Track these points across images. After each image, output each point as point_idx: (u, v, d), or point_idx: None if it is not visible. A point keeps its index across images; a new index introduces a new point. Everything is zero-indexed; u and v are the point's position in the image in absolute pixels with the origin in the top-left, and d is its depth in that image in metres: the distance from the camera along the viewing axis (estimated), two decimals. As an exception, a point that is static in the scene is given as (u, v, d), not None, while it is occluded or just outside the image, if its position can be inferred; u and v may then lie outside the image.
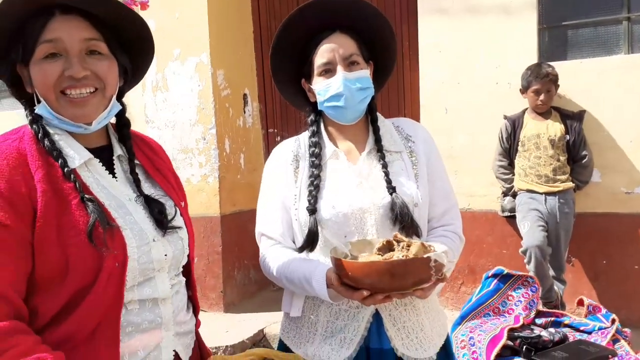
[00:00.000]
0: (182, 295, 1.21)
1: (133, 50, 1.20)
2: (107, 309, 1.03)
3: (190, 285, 1.26)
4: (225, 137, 4.03)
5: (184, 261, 1.21)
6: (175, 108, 4.06)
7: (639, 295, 3.27)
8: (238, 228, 4.00)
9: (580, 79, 3.33)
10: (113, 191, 1.12)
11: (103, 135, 1.19)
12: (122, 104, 1.21)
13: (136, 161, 1.20)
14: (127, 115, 1.23)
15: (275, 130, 4.50)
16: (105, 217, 1.03)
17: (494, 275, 2.74)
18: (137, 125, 4.61)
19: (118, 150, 1.19)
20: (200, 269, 3.93)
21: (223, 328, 3.62)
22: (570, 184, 3.21)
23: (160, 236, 1.13)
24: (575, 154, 3.21)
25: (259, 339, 3.50)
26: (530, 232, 3.11)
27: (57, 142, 1.08)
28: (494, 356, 2.26)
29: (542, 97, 3.18)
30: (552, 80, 3.17)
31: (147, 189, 1.19)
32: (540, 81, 3.16)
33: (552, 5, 3.50)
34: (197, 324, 1.30)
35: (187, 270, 1.26)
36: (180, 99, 4.03)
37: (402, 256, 1.14)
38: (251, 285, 4.24)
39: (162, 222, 1.14)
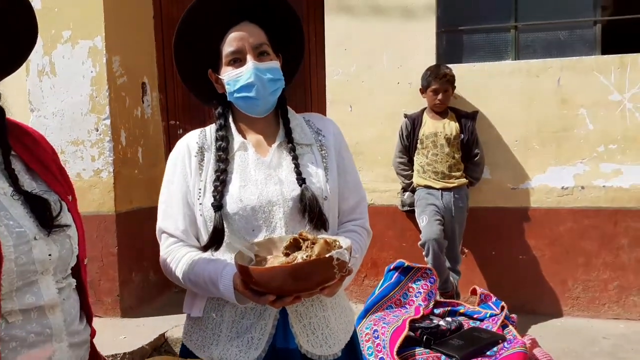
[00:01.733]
0: (74, 301, 1.09)
1: (10, 34, 1.06)
2: None
3: (81, 290, 1.14)
4: (121, 128, 3.76)
5: (73, 262, 1.09)
6: (64, 95, 3.72)
7: (524, 282, 3.57)
8: (135, 227, 3.76)
9: (472, 81, 3.56)
10: None
11: None
12: None
13: (13, 152, 1.06)
14: (1, 103, 1.09)
15: (178, 122, 4.29)
16: None
17: (395, 268, 2.83)
18: (20, 114, 4.18)
19: None
20: (94, 272, 3.64)
21: (120, 334, 3.39)
22: (464, 180, 3.41)
23: (42, 234, 1.00)
24: (468, 152, 3.41)
25: (160, 344, 3.32)
26: (428, 226, 3.26)
27: None
28: (397, 347, 2.33)
29: (440, 96, 3.34)
30: (449, 81, 3.34)
31: (28, 182, 1.06)
32: (438, 81, 3.32)
33: (450, 10, 3.69)
34: (92, 333, 1.18)
35: (77, 273, 1.13)
36: (71, 86, 3.70)
37: (306, 256, 1.13)
38: (151, 288, 4.01)
39: (45, 219, 1.01)
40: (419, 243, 3.31)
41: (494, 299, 2.84)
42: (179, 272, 1.31)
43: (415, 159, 3.47)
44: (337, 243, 1.18)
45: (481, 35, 3.73)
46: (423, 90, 3.42)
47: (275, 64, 1.35)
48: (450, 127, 3.38)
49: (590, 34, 3.55)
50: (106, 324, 3.53)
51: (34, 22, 1.09)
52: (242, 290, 1.17)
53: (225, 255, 1.32)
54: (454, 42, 3.76)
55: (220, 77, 1.36)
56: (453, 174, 3.37)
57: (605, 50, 3.52)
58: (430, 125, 3.41)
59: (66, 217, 1.06)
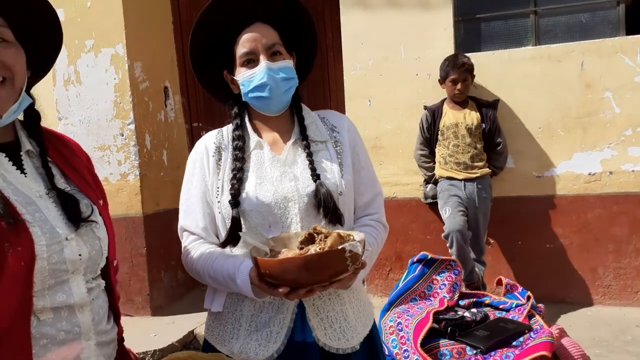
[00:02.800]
0: (103, 301, 1.13)
1: (39, 39, 1.12)
2: (13, 317, 0.94)
3: (110, 291, 1.18)
4: (145, 132, 3.85)
5: (102, 263, 1.13)
6: (90, 103, 3.82)
7: (551, 272, 3.50)
8: (162, 228, 3.85)
9: (492, 69, 3.50)
10: (21, 187, 1.04)
11: (10, 131, 1.11)
12: (31, 96, 1.13)
13: (49, 158, 1.12)
14: (35, 107, 1.15)
15: (200, 125, 4.37)
16: (8, 212, 0.95)
17: (419, 261, 2.82)
18: (49, 122, 4.33)
19: (27, 145, 1.11)
20: (124, 273, 3.74)
21: (151, 332, 3.48)
22: (487, 170, 3.36)
23: (74, 234, 1.04)
24: (490, 141, 3.37)
25: (190, 341, 3.40)
26: (451, 217, 3.23)
27: None
28: (421, 339, 2.33)
29: (459, 86, 3.30)
30: (468, 70, 3.30)
31: (61, 184, 1.11)
32: (457, 71, 3.29)
33: (467, -2, 3.64)
34: (120, 332, 1.23)
35: (107, 275, 1.18)
36: (95, 93, 3.80)
37: (319, 249, 1.14)
38: (179, 287, 4.11)
39: (75, 217, 1.06)
40: (443, 235, 3.28)
41: (520, 289, 2.80)
42: (199, 268, 1.34)
43: (436, 150, 3.45)
44: (351, 237, 1.19)
45: (500, 22, 3.66)
46: (442, 81, 3.39)
47: (288, 63, 1.37)
48: (471, 117, 3.35)
49: (614, 14, 3.44)
50: (137, 322, 3.63)
51: (58, 24, 1.15)
52: (258, 283, 1.19)
53: (243, 252, 1.35)
54: (472, 30, 3.71)
55: (235, 78, 1.39)
56: (475, 164, 3.33)
57: (629, 31, 3.41)
58: (451, 116, 3.37)
59: (97, 219, 1.11)
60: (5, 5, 1.03)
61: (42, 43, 1.15)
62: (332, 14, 3.94)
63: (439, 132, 3.40)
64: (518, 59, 3.48)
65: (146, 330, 3.49)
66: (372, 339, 1.47)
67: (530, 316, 2.57)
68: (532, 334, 2.37)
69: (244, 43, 1.35)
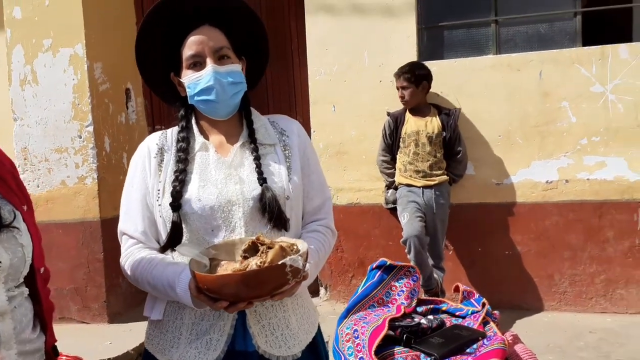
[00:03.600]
0: (26, 309, 1.09)
1: None
2: None
3: (36, 298, 1.14)
4: (104, 134, 3.77)
5: (26, 271, 1.09)
6: (47, 104, 3.72)
7: (510, 278, 3.55)
8: (121, 232, 3.76)
9: (454, 77, 3.55)
10: None
11: None
12: None
13: None
14: None
15: (163, 127, 4.24)
16: None
17: (378, 267, 2.79)
18: (4, 123, 4.16)
19: None
20: (81, 279, 3.64)
21: (107, 340, 3.39)
22: (445, 178, 3.40)
23: None
24: (451, 149, 3.40)
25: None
26: (409, 223, 3.26)
27: None
28: (376, 347, 2.31)
29: (399, 93, 3.36)
30: (408, 79, 3.32)
31: None
32: (398, 79, 3.34)
33: (430, 6, 3.68)
34: (49, 342, 1.18)
35: (33, 283, 1.13)
36: (53, 94, 3.70)
37: (260, 262, 1.12)
38: (138, 293, 3.99)
39: None
40: (401, 240, 3.30)
41: (476, 295, 2.81)
42: (138, 275, 1.31)
43: (397, 157, 3.46)
44: (295, 247, 1.18)
45: (462, 31, 3.72)
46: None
47: (236, 67, 1.35)
48: (432, 125, 3.37)
49: (571, 25, 3.53)
50: (93, 330, 3.54)
51: None
52: (197, 295, 1.17)
53: (184, 259, 1.31)
54: (435, 38, 3.75)
55: (181, 80, 1.36)
56: (434, 172, 3.36)
57: (586, 42, 3.50)
58: (413, 124, 3.40)
59: (19, 225, 1.07)
60: None
61: None
62: (298, 19, 3.93)
63: (401, 139, 3.41)
64: (479, 67, 3.53)
65: (102, 338, 3.40)
66: (316, 346, 1.47)
67: (485, 323, 2.58)
68: (485, 340, 2.37)
69: (191, 45, 1.32)
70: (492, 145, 3.52)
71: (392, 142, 3.47)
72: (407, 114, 3.44)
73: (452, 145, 3.39)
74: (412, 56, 3.55)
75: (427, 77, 3.37)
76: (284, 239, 1.24)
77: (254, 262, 1.13)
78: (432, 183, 3.34)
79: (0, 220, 1.03)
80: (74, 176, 3.69)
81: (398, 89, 3.37)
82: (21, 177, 1.21)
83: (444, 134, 3.36)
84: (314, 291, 3.84)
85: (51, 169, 3.70)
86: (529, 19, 3.58)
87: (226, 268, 1.17)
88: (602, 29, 3.69)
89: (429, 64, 3.55)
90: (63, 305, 3.64)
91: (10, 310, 1.03)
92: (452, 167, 3.43)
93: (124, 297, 3.87)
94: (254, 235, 1.22)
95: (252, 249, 1.19)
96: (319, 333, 1.50)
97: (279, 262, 1.09)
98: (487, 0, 3.62)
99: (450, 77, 3.53)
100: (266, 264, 1.10)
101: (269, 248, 1.16)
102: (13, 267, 1.04)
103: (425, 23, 3.68)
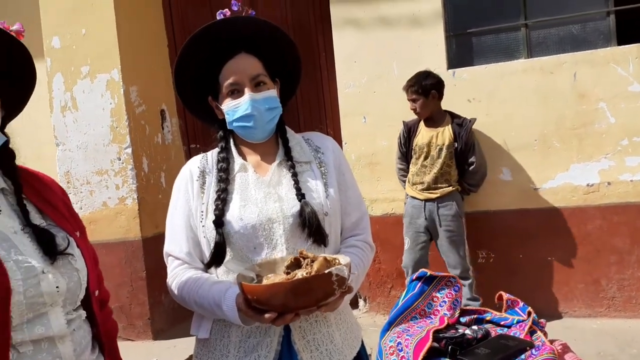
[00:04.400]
0: (85, 332, 1.13)
1: (13, 79, 1.14)
2: None
3: (92, 321, 1.18)
4: (142, 155, 3.87)
5: (82, 295, 1.14)
6: (86, 128, 3.85)
7: (553, 285, 3.47)
8: (162, 251, 3.81)
9: (485, 83, 3.51)
10: None
11: None
12: (5, 134, 1.14)
13: (23, 195, 1.13)
14: (10, 145, 1.16)
15: (198, 146, 4.38)
16: None
17: (418, 278, 2.78)
18: (47, 148, 4.31)
19: (1, 183, 1.11)
20: (125, 297, 3.73)
21: (152, 356, 3.45)
22: (450, 189, 3.31)
23: (50, 267, 1.05)
24: (464, 160, 3.32)
25: (190, 365, 3.37)
26: (408, 252, 3.37)
27: None
28: (421, 359, 2.29)
29: (410, 105, 3.32)
30: (414, 90, 3.26)
31: (37, 220, 1.12)
32: (407, 92, 3.30)
33: (457, 13, 3.66)
34: None
35: (88, 305, 1.18)
36: (92, 119, 3.83)
37: (306, 273, 1.15)
38: (180, 310, 4.02)
39: (51, 251, 1.07)
40: (403, 264, 3.39)
41: (521, 304, 2.76)
42: (184, 294, 1.34)
43: (410, 167, 3.44)
44: (337, 260, 1.20)
45: (491, 36, 3.68)
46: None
47: (272, 92, 1.40)
48: (444, 136, 3.31)
49: (604, 25, 3.46)
50: (138, 347, 3.61)
51: (32, 64, 1.16)
52: (245, 309, 1.19)
53: (229, 277, 1.34)
54: (464, 45, 3.73)
55: (220, 105, 1.41)
56: (439, 185, 3.31)
57: (621, 41, 3.42)
58: (424, 135, 3.36)
59: (73, 251, 1.11)
60: None
61: (16, 83, 1.16)
62: (325, 33, 3.97)
63: (412, 150, 3.39)
64: (510, 71, 3.49)
65: (147, 355, 3.47)
66: None
67: (532, 332, 2.53)
68: (533, 350, 2.32)
69: (229, 74, 1.37)
70: (528, 150, 3.47)
71: (406, 151, 3.44)
72: (421, 124, 3.40)
73: (465, 156, 3.31)
74: (441, 64, 3.53)
75: (436, 85, 3.28)
76: (325, 254, 1.26)
77: (300, 273, 1.16)
78: (434, 196, 3.29)
79: (56, 247, 1.07)
80: (115, 197, 3.79)
81: (409, 101, 3.32)
82: (65, 200, 1.27)
83: (456, 144, 3.29)
84: (352, 303, 3.82)
85: (93, 191, 3.82)
86: (560, 20, 3.52)
87: (273, 280, 1.19)
88: (637, 27, 3.59)
89: (458, 71, 3.53)
90: (108, 323, 3.72)
91: (70, 333, 1.07)
92: (467, 177, 3.35)
93: (167, 314, 3.94)
94: (295, 253, 1.25)
95: (295, 265, 1.22)
96: (362, 348, 1.51)
97: (326, 271, 1.12)
98: (516, 4, 3.58)
99: (481, 83, 3.50)
100: (312, 274, 1.13)
101: (312, 261, 1.19)
102: (70, 292, 1.08)
103: (453, 30, 3.66)
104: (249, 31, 1.39)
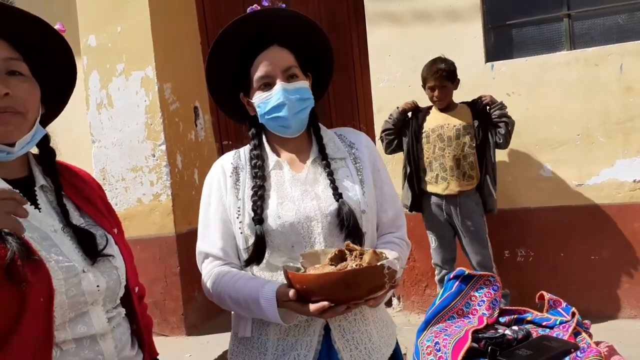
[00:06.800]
0: (124, 328, 1.14)
1: (55, 76, 1.14)
2: (36, 352, 0.94)
3: (133, 319, 1.18)
4: (176, 152, 3.90)
5: (121, 292, 1.14)
6: (121, 125, 3.90)
7: (597, 286, 3.34)
8: (195, 247, 3.85)
9: (526, 76, 3.40)
10: (36, 223, 1.04)
11: (24, 166, 1.12)
12: (46, 133, 1.15)
13: (63, 193, 1.13)
14: (50, 144, 1.17)
15: (230, 143, 4.39)
16: (24, 250, 0.95)
17: (456, 277, 2.71)
18: (83, 145, 4.39)
19: (41, 180, 1.12)
20: (159, 293, 3.77)
21: (186, 352, 3.48)
22: (470, 187, 3.18)
23: (90, 266, 1.05)
24: (487, 121, 3.15)
25: (223, 360, 3.38)
26: (437, 251, 3.32)
27: None
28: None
29: (436, 93, 3.17)
30: (443, 76, 3.14)
31: (76, 218, 1.12)
32: (432, 77, 3.16)
33: (496, 5, 3.55)
34: (152, 356, 1.25)
35: (129, 302, 1.18)
36: (127, 116, 3.88)
37: (356, 265, 1.12)
38: (214, 306, 4.04)
39: (91, 250, 1.07)
40: (432, 262, 3.34)
41: (563, 304, 2.66)
42: (220, 289, 1.31)
43: (423, 156, 3.28)
44: (384, 255, 1.18)
45: (532, 28, 3.56)
46: (424, 87, 3.27)
47: (304, 84, 1.37)
48: (460, 117, 3.20)
49: (652, 14, 3.30)
50: (172, 342, 3.63)
51: (73, 60, 1.16)
52: (292, 299, 1.15)
53: (265, 274, 1.32)
54: (503, 37, 3.62)
55: (251, 100, 1.39)
56: (463, 170, 3.15)
57: (670, 31, 3.26)
58: (438, 118, 3.24)
59: (112, 249, 1.12)
60: (23, 40, 1.05)
61: (57, 80, 1.16)
62: (359, 27, 3.92)
63: (424, 135, 3.25)
64: (552, 64, 3.36)
65: (181, 351, 3.49)
66: (396, 359, 1.45)
67: (576, 334, 2.43)
68: (578, 352, 2.23)
69: (261, 67, 1.35)
70: (570, 145, 3.34)
71: (413, 138, 3.28)
72: (432, 110, 3.28)
73: (487, 125, 3.13)
74: (479, 57, 3.44)
75: (456, 70, 3.20)
76: (373, 249, 1.23)
77: (351, 264, 1.14)
78: (454, 192, 3.17)
79: (97, 247, 1.07)
80: (149, 193, 3.83)
81: (430, 89, 3.18)
82: (102, 198, 1.27)
83: (476, 123, 3.14)
84: (386, 302, 3.78)
85: (128, 187, 3.87)
86: (605, 10, 3.38)
87: (322, 270, 1.16)
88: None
89: (497, 64, 3.43)
90: (143, 318, 3.78)
91: (111, 330, 1.07)
92: (495, 134, 3.14)
93: (200, 310, 3.96)
94: (333, 248, 1.22)
95: (339, 258, 1.19)
96: (397, 346, 1.49)
97: (378, 263, 1.10)
98: (558, -6, 3.46)
99: (521, 76, 3.39)
100: (364, 266, 1.11)
101: (361, 254, 1.16)
102: (110, 290, 1.08)
103: (492, 22, 3.56)
104: (280, 23, 1.36)
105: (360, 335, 1.34)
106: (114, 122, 3.91)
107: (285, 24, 1.36)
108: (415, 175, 3.30)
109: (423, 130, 3.28)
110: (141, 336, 1.20)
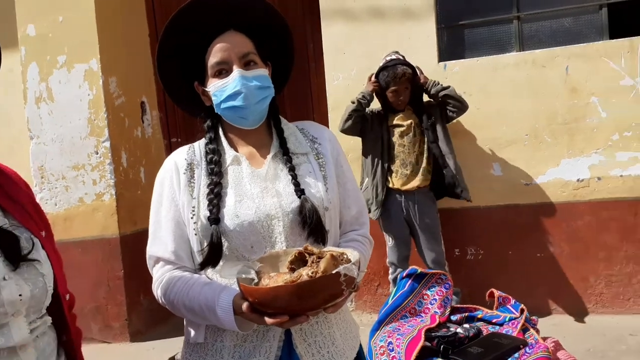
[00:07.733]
0: (50, 338, 1.04)
1: None
2: None
3: (64, 329, 1.09)
4: (121, 149, 3.72)
5: (48, 301, 1.04)
6: (63, 121, 3.69)
7: (544, 282, 3.43)
8: (141, 249, 3.61)
9: (477, 76, 3.45)
10: None
11: None
12: None
13: None
14: None
15: (179, 140, 4.25)
16: None
17: (408, 275, 2.71)
18: (21, 142, 4.12)
19: None
20: (101, 297, 3.59)
21: (129, 359, 3.32)
22: (427, 182, 3.24)
23: (12, 273, 0.95)
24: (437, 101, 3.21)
25: (169, 367, 3.25)
26: (393, 249, 3.31)
27: None
28: (414, 359, 2.21)
29: (402, 97, 3.22)
30: (408, 79, 3.20)
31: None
32: (398, 81, 3.18)
33: (449, 6, 3.59)
34: None
35: (59, 311, 1.08)
36: (69, 111, 3.68)
37: (312, 272, 1.06)
38: (160, 311, 3.89)
39: (13, 255, 0.96)
40: (387, 261, 3.34)
41: (512, 301, 2.71)
42: (172, 297, 1.22)
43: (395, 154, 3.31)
44: (345, 256, 1.11)
45: (483, 29, 3.62)
46: (380, 89, 3.27)
47: (263, 71, 1.29)
48: (411, 116, 3.27)
49: (597, 19, 3.42)
50: (115, 349, 3.48)
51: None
52: (247, 312, 1.08)
53: (221, 278, 1.24)
54: (456, 37, 3.66)
55: (206, 89, 1.29)
56: (421, 165, 3.22)
57: (613, 35, 3.39)
58: (397, 116, 3.28)
59: (38, 254, 1.02)
60: None
61: None
62: (313, 24, 3.87)
63: (390, 132, 3.28)
64: (502, 65, 3.43)
65: (125, 358, 3.34)
66: None
67: (524, 330, 2.48)
68: (527, 349, 2.27)
69: (216, 53, 1.26)
70: (519, 144, 3.41)
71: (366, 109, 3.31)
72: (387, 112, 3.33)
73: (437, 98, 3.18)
74: (432, 56, 3.46)
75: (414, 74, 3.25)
76: (331, 249, 1.17)
77: (305, 273, 1.07)
78: (413, 188, 3.22)
79: (20, 250, 0.98)
80: (92, 193, 3.64)
81: (394, 92, 3.21)
82: (38, 196, 1.17)
83: (431, 120, 3.20)
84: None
85: (68, 186, 3.66)
86: (553, 13, 3.47)
87: (276, 280, 1.10)
88: (630, 21, 3.57)
89: (450, 64, 3.47)
90: (84, 325, 3.55)
91: (33, 341, 0.99)
92: (447, 104, 3.18)
93: (145, 315, 3.80)
94: (299, 248, 1.15)
95: (299, 260, 1.13)
96: (360, 348, 1.42)
97: (333, 272, 1.03)
98: (508, -4, 3.53)
99: (472, 76, 3.44)
100: (319, 274, 1.04)
101: (319, 258, 1.10)
102: (35, 299, 0.99)
103: (444, 22, 3.59)
104: (237, 7, 1.27)
105: (323, 338, 1.28)
106: (54, 117, 3.70)
107: (242, 8, 1.28)
108: (388, 170, 3.31)
109: (388, 127, 3.31)
110: (71, 348, 1.10)
